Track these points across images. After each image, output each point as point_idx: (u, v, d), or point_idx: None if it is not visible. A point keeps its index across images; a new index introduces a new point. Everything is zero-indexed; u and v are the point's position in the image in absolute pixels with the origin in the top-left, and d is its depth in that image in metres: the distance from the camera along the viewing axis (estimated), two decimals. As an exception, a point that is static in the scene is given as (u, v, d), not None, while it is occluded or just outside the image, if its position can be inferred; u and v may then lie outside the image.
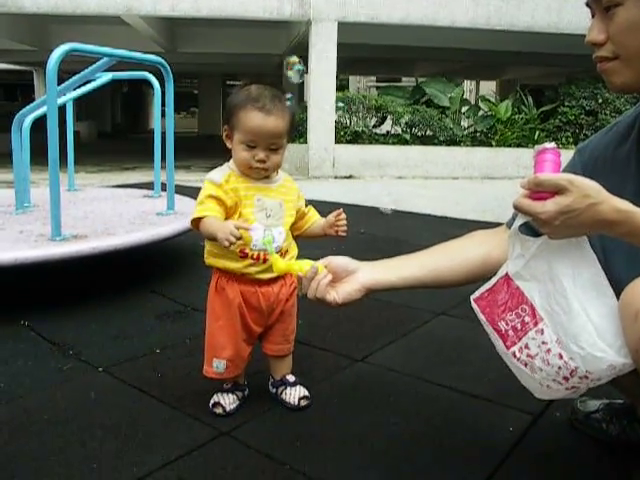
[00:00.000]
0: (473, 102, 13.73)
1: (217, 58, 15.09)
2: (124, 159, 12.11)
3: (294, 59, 1.77)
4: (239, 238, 1.50)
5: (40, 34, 11.83)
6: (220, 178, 1.66)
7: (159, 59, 3.44)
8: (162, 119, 3.85)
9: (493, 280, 1.31)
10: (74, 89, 3.87)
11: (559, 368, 1.16)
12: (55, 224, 2.76)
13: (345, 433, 1.71)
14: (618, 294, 1.16)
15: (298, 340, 1.99)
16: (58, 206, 2.77)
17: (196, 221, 1.62)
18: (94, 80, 4.03)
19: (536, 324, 1.20)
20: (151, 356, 2.24)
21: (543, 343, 1.18)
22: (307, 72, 9.87)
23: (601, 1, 1.18)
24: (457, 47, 11.78)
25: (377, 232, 4.76)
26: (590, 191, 1.06)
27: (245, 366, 1.83)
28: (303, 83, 15.11)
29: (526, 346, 1.21)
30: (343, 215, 1.80)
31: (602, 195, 1.07)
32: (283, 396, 1.85)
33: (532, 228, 1.18)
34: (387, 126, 10.89)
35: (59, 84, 2.87)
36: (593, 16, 1.23)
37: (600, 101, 10.29)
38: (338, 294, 1.39)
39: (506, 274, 1.28)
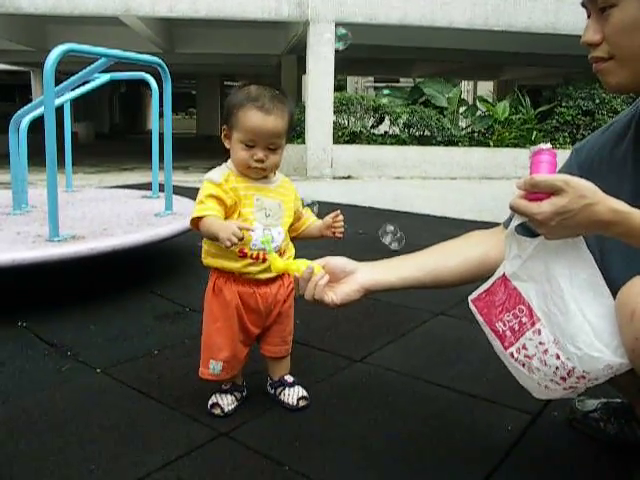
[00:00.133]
0: (471, 102, 13.75)
1: (215, 59, 15.09)
2: (122, 160, 12.10)
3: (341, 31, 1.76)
4: (241, 239, 1.51)
5: (38, 35, 11.82)
6: (219, 178, 1.66)
7: (157, 60, 3.44)
8: (160, 120, 3.86)
9: (490, 281, 1.31)
10: (72, 90, 3.87)
11: (556, 368, 1.17)
12: (53, 225, 2.76)
13: (344, 433, 1.72)
14: (615, 294, 1.16)
15: (296, 341, 1.99)
16: (56, 207, 2.76)
17: (196, 220, 1.61)
18: (92, 81, 4.03)
19: (533, 324, 1.20)
20: (150, 357, 2.24)
21: (540, 344, 1.19)
22: (305, 72, 9.89)
23: (596, 2, 1.19)
24: (455, 48, 11.80)
25: (375, 232, 4.76)
26: (586, 192, 1.07)
27: (241, 367, 1.83)
28: (301, 84, 15.14)
29: (524, 346, 1.22)
30: (340, 217, 1.81)
31: (598, 196, 1.07)
32: (282, 397, 1.85)
33: (529, 228, 1.18)
34: (385, 126, 10.90)
35: (57, 85, 2.87)
36: (589, 17, 1.23)
37: (597, 101, 10.31)
38: (336, 295, 1.39)
39: (503, 275, 1.28)
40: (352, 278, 1.42)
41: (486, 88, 19.21)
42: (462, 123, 11.34)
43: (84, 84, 3.96)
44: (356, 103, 10.27)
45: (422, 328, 2.60)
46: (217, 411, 1.78)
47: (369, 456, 1.60)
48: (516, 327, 1.23)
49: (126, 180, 8.30)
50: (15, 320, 2.56)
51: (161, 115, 3.69)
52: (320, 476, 1.51)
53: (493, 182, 9.30)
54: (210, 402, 1.80)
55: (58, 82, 2.91)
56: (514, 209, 1.13)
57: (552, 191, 1.07)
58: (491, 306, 1.29)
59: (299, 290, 1.41)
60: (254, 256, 1.68)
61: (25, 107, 3.69)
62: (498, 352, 1.30)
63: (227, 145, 1.72)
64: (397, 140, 10.38)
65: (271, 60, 14.48)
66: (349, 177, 9.59)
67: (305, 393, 1.86)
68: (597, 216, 1.07)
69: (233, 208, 1.66)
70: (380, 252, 3.93)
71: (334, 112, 9.77)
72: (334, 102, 9.70)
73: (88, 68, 3.41)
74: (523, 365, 1.23)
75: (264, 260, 1.69)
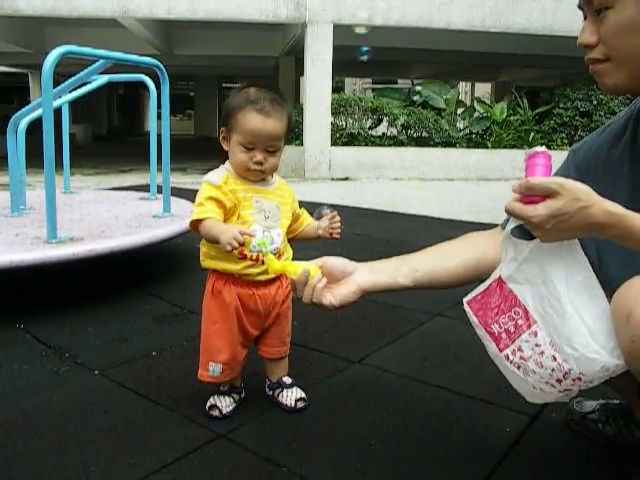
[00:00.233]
0: (468, 104, 13.76)
1: (213, 60, 15.12)
2: (120, 161, 12.09)
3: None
4: (242, 244, 1.51)
5: (36, 36, 11.82)
6: (219, 180, 1.66)
7: (155, 61, 3.44)
8: (158, 121, 3.86)
9: (486, 283, 1.32)
10: (70, 91, 3.87)
11: (552, 370, 1.17)
12: (51, 226, 2.76)
13: (342, 435, 1.72)
14: (612, 294, 1.16)
15: (294, 342, 1.99)
16: (54, 209, 2.76)
17: (196, 223, 1.62)
18: (90, 82, 4.03)
19: (529, 326, 1.20)
20: (148, 359, 2.24)
21: (537, 345, 1.19)
22: (303, 74, 9.89)
23: (592, 4, 1.19)
24: (453, 49, 11.82)
25: (373, 233, 4.77)
26: (581, 194, 1.07)
27: (241, 369, 1.83)
28: (299, 86, 15.15)
29: (519, 348, 1.22)
30: (337, 218, 1.81)
31: (593, 198, 1.08)
32: (280, 398, 1.85)
33: (525, 230, 1.19)
34: (383, 128, 10.91)
35: (55, 86, 2.87)
36: (585, 18, 1.24)
37: (595, 103, 10.33)
38: (334, 297, 1.39)
39: (499, 277, 1.28)
40: (350, 279, 1.42)
41: (484, 89, 19.26)
42: (460, 124, 11.36)
43: (82, 86, 3.96)
44: (354, 105, 10.28)
45: (420, 329, 2.60)
46: (215, 413, 1.78)
47: (368, 457, 1.60)
48: (512, 329, 1.23)
49: (124, 182, 8.30)
50: (13, 322, 2.56)
51: (159, 117, 3.69)
52: (319, 477, 1.51)
53: (491, 183, 9.31)
54: (208, 404, 1.80)
55: (56, 84, 2.91)
56: (510, 212, 1.14)
57: (547, 194, 1.07)
58: (486, 308, 1.29)
59: (297, 293, 1.40)
60: (254, 258, 1.69)
61: (23, 109, 3.69)
62: (492, 355, 1.30)
63: (225, 147, 1.72)
64: (395, 141, 10.38)
65: (269, 62, 14.48)
66: (347, 179, 9.59)
67: (303, 394, 1.86)
68: (592, 218, 1.08)
69: (232, 210, 1.66)
70: (378, 254, 3.92)
71: (332, 114, 9.78)
72: (332, 104, 9.70)
73: (86, 70, 3.42)
74: (518, 367, 1.23)
75: (263, 262, 1.69)
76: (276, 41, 12.50)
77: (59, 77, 3.02)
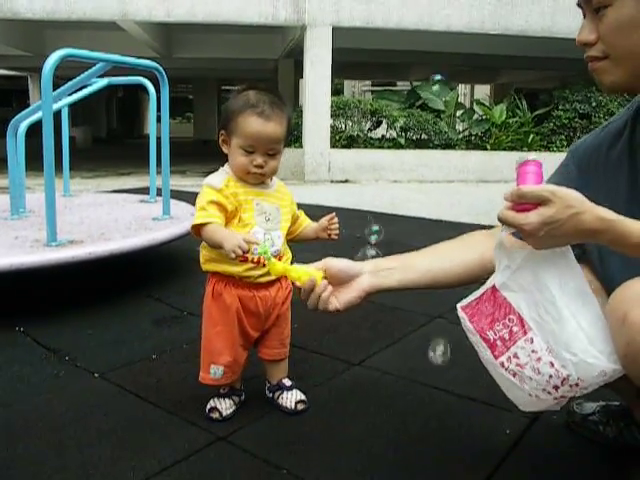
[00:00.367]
0: (468, 106, 13.77)
1: (212, 63, 15.12)
2: (120, 164, 12.10)
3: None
4: (246, 252, 1.51)
5: (35, 39, 11.82)
6: (220, 183, 1.66)
7: (154, 64, 3.44)
8: (157, 124, 3.86)
9: (481, 290, 1.31)
10: (69, 94, 3.87)
11: (550, 377, 1.16)
12: (51, 229, 2.76)
13: (343, 437, 1.72)
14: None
15: (294, 344, 1.99)
16: (54, 211, 2.76)
17: (198, 227, 1.61)
18: (89, 85, 4.03)
19: (525, 333, 1.19)
20: (147, 361, 2.24)
21: (533, 352, 1.18)
22: (302, 76, 9.90)
23: (591, 2, 1.20)
24: (452, 51, 11.82)
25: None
26: (573, 201, 1.08)
27: (241, 371, 1.83)
28: (298, 88, 15.15)
29: (515, 355, 1.21)
30: (336, 219, 1.82)
31: (585, 205, 1.08)
32: (280, 400, 1.85)
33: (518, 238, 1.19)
34: (382, 130, 10.91)
35: (54, 89, 2.87)
36: (585, 16, 1.24)
37: (594, 104, 10.34)
38: (339, 302, 1.39)
39: (492, 286, 1.27)
40: (354, 283, 1.42)
41: (483, 92, 19.25)
42: (459, 126, 11.36)
43: (82, 89, 3.97)
44: (353, 107, 10.27)
45: (420, 331, 2.60)
46: (215, 415, 1.78)
47: (368, 459, 1.60)
48: (506, 336, 1.22)
49: (124, 184, 8.30)
50: (13, 325, 2.56)
51: (159, 120, 3.70)
52: (319, 479, 1.51)
53: (490, 185, 9.31)
54: (208, 406, 1.80)
55: (56, 87, 2.91)
56: (502, 220, 1.14)
57: (539, 201, 1.08)
58: (481, 315, 1.29)
59: (301, 297, 1.40)
60: (255, 260, 1.69)
61: (23, 112, 3.70)
62: (486, 362, 1.29)
63: (225, 150, 1.72)
64: (394, 144, 10.38)
65: (268, 64, 14.49)
66: (346, 181, 9.59)
67: (303, 397, 1.86)
68: (584, 225, 1.08)
69: (233, 213, 1.66)
70: (377, 255, 3.92)
71: (331, 116, 9.78)
72: (331, 106, 9.70)
73: (86, 73, 3.42)
74: (514, 375, 1.22)
75: (265, 264, 1.69)
76: (275, 44, 12.50)
77: (58, 80, 3.02)
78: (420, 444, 1.68)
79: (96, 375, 2.11)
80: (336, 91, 15.41)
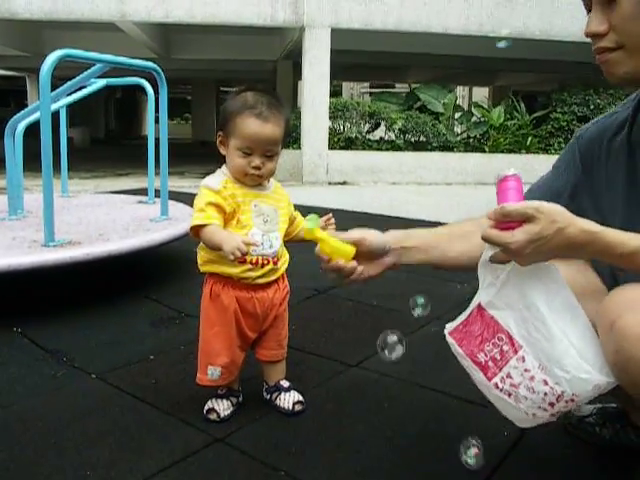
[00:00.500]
0: (466, 108, 13.79)
1: (211, 64, 15.12)
2: (118, 165, 12.09)
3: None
4: (245, 254, 1.51)
5: (33, 40, 11.81)
6: (217, 184, 1.66)
7: (153, 65, 3.44)
8: (156, 125, 3.86)
9: (467, 312, 1.30)
10: (68, 95, 3.87)
11: (545, 394, 1.15)
12: (48, 230, 2.76)
13: (341, 438, 1.71)
14: None
15: (292, 346, 1.99)
16: (51, 212, 2.76)
17: (196, 228, 1.62)
18: (88, 86, 4.03)
19: (516, 352, 1.18)
20: (145, 362, 2.24)
21: (526, 371, 1.17)
22: (301, 78, 9.91)
23: None
24: (450, 54, 11.84)
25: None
26: (557, 216, 1.07)
27: (239, 372, 1.83)
28: (296, 90, 15.15)
29: (508, 375, 1.19)
30: (333, 219, 1.83)
31: (568, 218, 1.08)
32: (277, 401, 1.85)
33: None
34: (380, 132, 10.92)
35: (52, 90, 2.87)
36: (588, 10, 1.22)
37: (592, 107, 10.36)
38: (360, 275, 1.37)
39: (479, 304, 1.26)
40: (378, 260, 1.41)
41: (481, 94, 19.27)
42: (457, 129, 11.38)
43: (80, 89, 3.97)
44: (352, 109, 10.29)
45: (418, 333, 2.60)
46: (213, 416, 1.78)
47: (366, 461, 1.60)
48: (497, 356, 1.21)
49: (122, 185, 8.29)
50: (10, 325, 2.55)
51: (157, 120, 3.70)
52: (316, 481, 1.51)
53: (488, 188, 9.28)
54: (206, 407, 1.80)
55: (54, 87, 2.91)
56: (487, 240, 1.13)
57: (524, 219, 1.07)
58: (470, 337, 1.27)
59: (324, 267, 1.35)
60: (253, 261, 1.69)
61: (21, 112, 3.69)
62: (479, 384, 1.28)
63: (222, 151, 1.72)
64: (393, 146, 10.39)
65: (267, 66, 14.50)
66: (345, 183, 9.59)
67: (301, 398, 1.86)
68: (570, 239, 1.08)
69: (232, 215, 1.66)
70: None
71: (330, 118, 9.79)
72: (330, 108, 9.71)
73: (84, 73, 3.42)
74: (509, 395, 1.20)
75: (263, 265, 1.70)
76: (274, 45, 12.51)
77: (57, 80, 3.02)
78: (418, 445, 1.68)
79: (94, 376, 2.11)
80: (334, 93, 15.43)
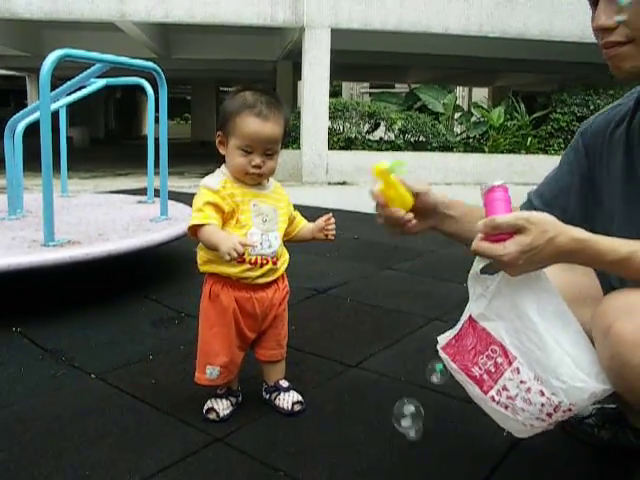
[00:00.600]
0: (466, 108, 13.79)
1: (211, 64, 15.12)
2: (117, 165, 12.09)
3: None
4: (242, 254, 1.51)
5: (33, 40, 11.81)
6: (216, 184, 1.66)
7: (153, 65, 3.44)
8: (156, 125, 3.86)
9: (458, 325, 1.30)
10: (67, 95, 3.87)
11: (542, 405, 1.14)
12: (48, 230, 2.76)
13: (340, 439, 1.71)
14: None
15: (291, 346, 1.99)
16: (51, 212, 2.76)
17: (194, 228, 1.62)
18: (87, 86, 4.03)
19: (510, 363, 1.17)
20: (145, 362, 2.24)
21: (521, 382, 1.16)
22: (300, 78, 9.91)
23: None
24: (450, 54, 11.84)
25: (370, 238, 4.76)
26: (547, 225, 1.08)
27: (238, 372, 1.83)
28: (296, 90, 15.15)
29: (504, 388, 1.19)
30: (332, 219, 1.83)
31: (558, 227, 1.08)
32: (277, 402, 1.85)
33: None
34: (380, 132, 10.92)
35: (52, 89, 2.87)
36: (593, 5, 1.20)
37: (592, 108, 10.35)
38: (412, 228, 1.34)
39: (469, 317, 1.26)
40: (425, 219, 1.38)
41: (481, 94, 19.27)
42: (457, 129, 11.38)
43: (80, 89, 3.97)
44: (351, 109, 10.29)
45: (417, 333, 2.60)
46: (212, 416, 1.78)
47: (365, 461, 1.60)
48: (492, 369, 1.20)
49: (121, 185, 8.29)
50: (9, 325, 2.55)
51: (157, 120, 3.69)
52: (316, 481, 1.51)
53: (488, 188, 9.32)
54: (205, 407, 1.80)
55: (54, 87, 2.91)
56: (478, 253, 1.13)
57: (514, 230, 1.07)
58: (463, 351, 1.27)
59: (379, 210, 1.32)
60: (252, 261, 1.69)
61: (21, 112, 3.69)
62: (476, 398, 1.27)
63: (222, 151, 1.72)
64: (392, 146, 10.39)
65: (267, 66, 14.50)
66: (344, 183, 9.59)
67: (300, 398, 1.86)
68: (560, 248, 1.08)
69: (231, 214, 1.67)
70: (375, 258, 3.94)
71: (329, 118, 9.79)
72: (329, 108, 9.71)
73: (84, 73, 3.42)
74: (506, 407, 1.20)
75: (262, 265, 1.70)
76: (274, 45, 12.51)
77: (56, 80, 3.02)
78: (418, 446, 1.68)
79: (93, 376, 2.11)
80: (334, 93, 15.43)
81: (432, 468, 1.58)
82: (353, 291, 3.19)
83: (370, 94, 24.14)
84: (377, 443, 1.69)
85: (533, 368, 1.14)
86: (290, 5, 9.25)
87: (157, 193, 3.79)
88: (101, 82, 4.02)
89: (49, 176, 2.73)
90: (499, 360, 1.19)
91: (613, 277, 1.26)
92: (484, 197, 1.16)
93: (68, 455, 1.60)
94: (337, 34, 9.36)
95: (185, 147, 18.67)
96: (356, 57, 12.31)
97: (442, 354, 1.32)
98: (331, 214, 1.85)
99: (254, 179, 1.70)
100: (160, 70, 3.46)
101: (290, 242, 1.87)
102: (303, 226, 1.89)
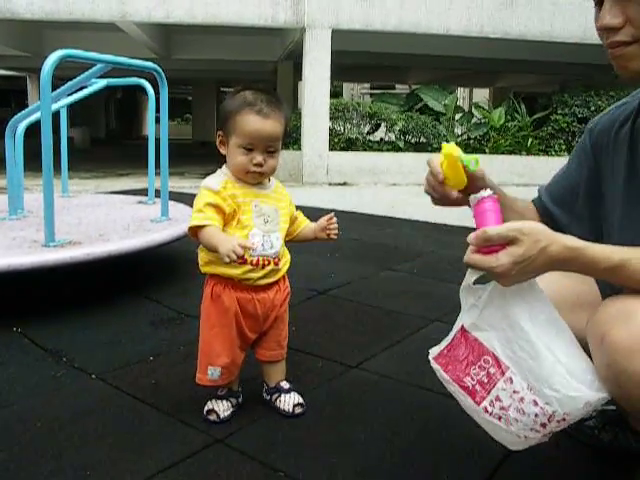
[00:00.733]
0: (466, 109, 13.79)
1: (211, 65, 15.12)
2: (118, 165, 12.10)
3: None
4: (241, 256, 1.51)
5: (34, 40, 11.81)
6: (217, 185, 1.66)
7: (153, 65, 3.44)
8: (156, 125, 3.86)
9: (450, 336, 1.29)
10: (68, 95, 3.87)
11: (536, 415, 1.13)
12: (49, 230, 2.76)
13: (340, 440, 1.71)
14: None
15: (292, 347, 1.99)
16: (52, 212, 2.76)
17: (195, 229, 1.62)
18: (88, 86, 4.03)
19: (503, 374, 1.16)
20: (145, 363, 2.24)
21: (514, 392, 1.15)
22: (301, 79, 9.91)
23: None
24: (451, 55, 11.85)
25: (371, 239, 4.77)
26: (539, 235, 1.07)
27: (239, 372, 1.83)
28: (297, 90, 15.15)
29: (497, 398, 1.18)
30: (334, 219, 1.83)
31: (550, 236, 1.08)
32: (277, 403, 1.85)
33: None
34: (381, 133, 10.92)
35: (53, 90, 2.87)
36: (597, 4, 1.19)
37: (592, 109, 10.35)
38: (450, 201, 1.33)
39: (462, 327, 1.25)
40: (465, 198, 1.34)
41: (482, 95, 19.28)
42: (458, 130, 11.37)
43: (80, 89, 3.97)
44: (352, 110, 10.29)
45: (418, 335, 2.60)
46: (213, 417, 1.78)
47: (366, 462, 1.60)
48: (485, 379, 1.19)
49: (122, 186, 8.29)
50: (10, 325, 2.55)
51: (157, 121, 3.69)
52: (316, 482, 1.51)
53: (488, 189, 9.31)
54: (206, 408, 1.80)
55: (54, 87, 2.91)
56: (470, 265, 1.13)
57: (507, 242, 1.07)
58: (455, 361, 1.26)
59: (434, 170, 1.30)
60: (254, 262, 1.69)
61: (21, 112, 3.69)
62: (468, 409, 1.26)
63: (223, 151, 1.72)
64: (393, 147, 10.39)
65: (267, 66, 14.50)
66: (345, 184, 9.60)
67: (301, 400, 1.86)
68: (554, 257, 1.08)
69: (232, 215, 1.66)
70: (375, 258, 3.94)
71: (330, 118, 9.79)
72: (330, 108, 9.71)
73: (85, 74, 3.42)
74: (500, 419, 1.18)
75: (264, 266, 1.70)
76: (274, 46, 12.52)
77: (57, 81, 3.01)
78: (418, 446, 1.68)
79: (93, 376, 2.11)
80: (335, 94, 15.43)
81: (433, 469, 1.58)
82: (353, 292, 3.19)
83: (371, 95, 24.16)
84: (377, 443, 1.69)
85: (526, 378, 1.13)
86: (291, 6, 9.26)
87: (158, 193, 3.79)
88: (102, 82, 4.03)
89: (50, 176, 2.73)
90: (492, 370, 1.18)
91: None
92: (474, 208, 1.15)
93: (68, 455, 1.60)
94: (338, 35, 9.36)
95: (186, 147, 18.67)
96: (357, 58, 12.32)
97: (434, 364, 1.31)
98: (333, 213, 1.85)
99: (255, 178, 1.70)
100: (161, 70, 3.46)
101: (292, 242, 1.86)
102: (305, 226, 1.89)
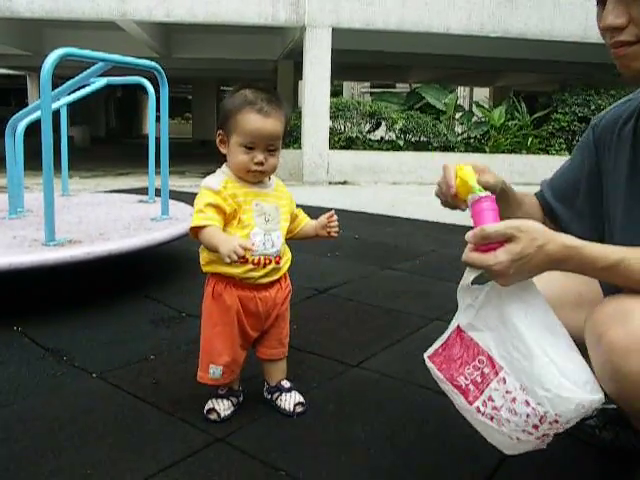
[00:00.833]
0: (467, 108, 13.79)
1: (212, 64, 15.12)
2: (118, 164, 12.09)
3: None
4: (242, 257, 1.51)
5: (34, 39, 11.81)
6: (218, 185, 1.66)
7: (154, 64, 3.44)
8: (156, 124, 3.86)
9: (445, 335, 1.29)
10: (68, 94, 3.87)
11: (527, 416, 1.12)
12: (49, 229, 2.75)
13: (341, 439, 1.71)
14: None
15: (292, 346, 1.99)
16: (52, 211, 2.76)
17: (195, 229, 1.62)
18: (88, 85, 4.03)
19: (497, 374, 1.16)
20: (145, 362, 2.24)
21: (507, 392, 1.14)
22: (301, 78, 9.91)
23: None
24: (452, 54, 11.85)
25: (371, 237, 4.77)
26: (536, 233, 1.07)
27: (240, 371, 1.83)
28: (297, 89, 15.15)
29: (490, 398, 1.17)
30: (335, 217, 1.84)
31: (547, 235, 1.08)
32: (278, 402, 1.85)
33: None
34: (381, 132, 10.92)
35: (53, 89, 2.86)
36: (600, 3, 1.18)
37: (592, 108, 10.35)
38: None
39: (457, 327, 1.25)
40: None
41: (482, 94, 19.27)
42: (458, 129, 11.37)
43: (81, 88, 3.96)
44: (352, 108, 10.29)
45: (418, 334, 2.60)
46: (213, 416, 1.78)
47: (366, 461, 1.60)
48: (478, 379, 1.19)
49: (122, 184, 8.29)
50: (10, 324, 2.55)
51: (157, 120, 3.69)
52: (316, 482, 1.51)
53: (489, 188, 9.30)
54: (206, 407, 1.80)
55: (55, 86, 2.90)
56: (469, 263, 1.13)
57: (505, 239, 1.07)
58: (450, 360, 1.26)
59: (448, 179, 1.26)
60: (255, 261, 1.69)
61: (21, 111, 3.69)
62: (461, 409, 1.26)
63: (223, 150, 1.72)
64: (393, 146, 10.40)
65: (268, 65, 14.50)
66: (345, 182, 9.59)
67: (302, 399, 1.86)
68: (551, 255, 1.08)
69: (233, 215, 1.66)
70: (375, 257, 3.94)
71: (330, 117, 9.78)
72: (330, 107, 9.71)
73: (85, 72, 3.42)
74: (492, 419, 1.17)
75: (265, 265, 1.70)
76: (275, 45, 12.51)
77: (57, 79, 3.01)
78: (419, 446, 1.68)
79: (94, 375, 2.11)
80: (335, 92, 15.40)
81: (433, 468, 1.58)
82: (354, 291, 3.19)
83: (371, 94, 24.12)
84: (378, 443, 1.69)
85: (519, 378, 1.13)
86: (291, 4, 9.25)
87: (158, 192, 3.79)
88: (102, 81, 4.02)
89: (50, 175, 2.72)
90: (486, 370, 1.18)
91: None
92: (472, 208, 1.15)
93: (68, 455, 1.59)
94: (338, 33, 9.36)
95: (186, 146, 18.67)
96: (357, 57, 12.31)
97: (428, 363, 1.31)
98: (333, 211, 1.85)
99: (256, 176, 1.70)
100: (161, 69, 3.45)
101: (293, 239, 1.86)
102: (306, 223, 1.89)
